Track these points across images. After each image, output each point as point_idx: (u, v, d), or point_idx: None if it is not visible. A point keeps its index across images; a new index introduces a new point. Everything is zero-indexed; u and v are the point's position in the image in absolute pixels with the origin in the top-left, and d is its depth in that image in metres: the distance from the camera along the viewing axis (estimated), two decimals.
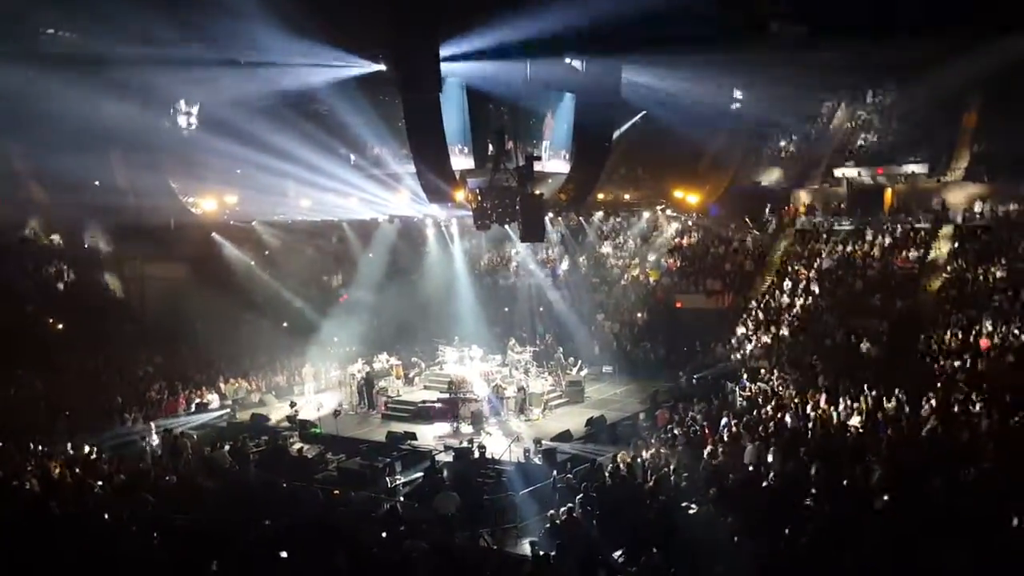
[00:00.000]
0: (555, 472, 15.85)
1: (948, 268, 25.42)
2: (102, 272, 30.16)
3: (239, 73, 23.65)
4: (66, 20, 22.68)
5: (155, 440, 19.47)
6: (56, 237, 30.32)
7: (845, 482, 13.20)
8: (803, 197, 31.64)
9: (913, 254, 26.60)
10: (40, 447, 17.62)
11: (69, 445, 17.69)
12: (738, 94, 32.13)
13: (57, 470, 15.83)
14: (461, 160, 22.83)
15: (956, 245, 26.42)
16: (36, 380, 23.06)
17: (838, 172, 31.13)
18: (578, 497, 13.64)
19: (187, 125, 28.55)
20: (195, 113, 28.52)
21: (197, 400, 23.21)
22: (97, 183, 28.56)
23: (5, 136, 24.75)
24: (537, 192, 20.66)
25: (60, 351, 25.06)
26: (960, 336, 21.57)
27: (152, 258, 30.37)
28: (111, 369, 24.93)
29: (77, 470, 16.06)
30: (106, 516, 12.86)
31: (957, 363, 20.24)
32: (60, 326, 26.74)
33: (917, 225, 27.80)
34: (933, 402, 17.55)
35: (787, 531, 11.22)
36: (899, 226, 27.94)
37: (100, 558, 10.21)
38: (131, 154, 27.98)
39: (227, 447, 18.64)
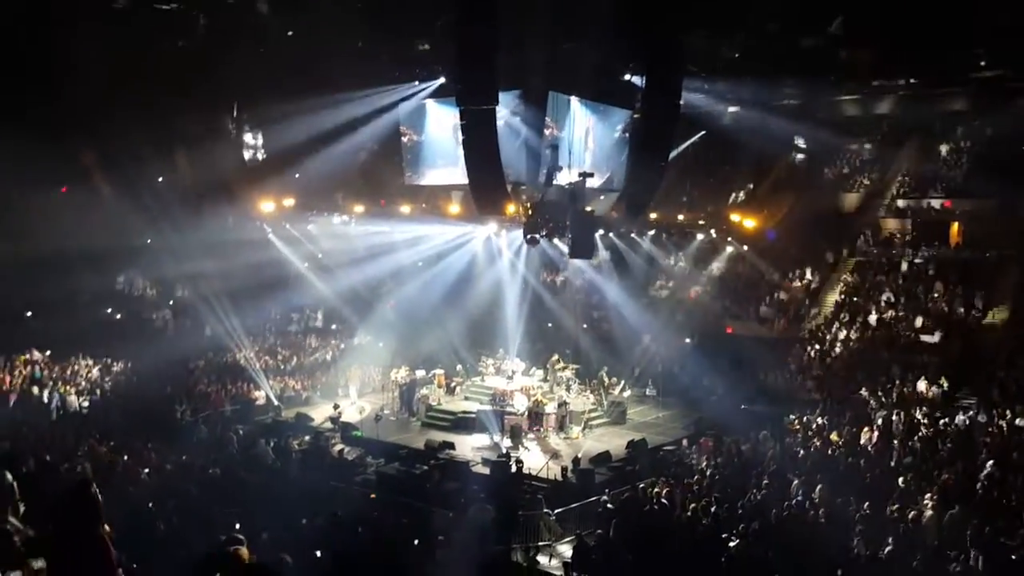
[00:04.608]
0: (592, 493, 15.64)
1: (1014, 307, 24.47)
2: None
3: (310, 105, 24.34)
4: None
5: (203, 432, 19.90)
6: None
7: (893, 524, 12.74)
8: (865, 226, 30.85)
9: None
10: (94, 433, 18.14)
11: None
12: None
13: (107, 457, 16.23)
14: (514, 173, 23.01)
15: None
16: (93, 368, 23.86)
17: (902, 203, 30.31)
18: (614, 521, 13.42)
19: (252, 153, 29.48)
20: (260, 143, 29.40)
21: (244, 396, 23.67)
22: (160, 179, 29.41)
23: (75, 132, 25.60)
24: (588, 209, 20.56)
25: (116, 342, 25.83)
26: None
27: (209, 255, 31.08)
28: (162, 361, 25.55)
29: (126, 457, 16.45)
30: (150, 504, 13.12)
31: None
32: (117, 316, 27.53)
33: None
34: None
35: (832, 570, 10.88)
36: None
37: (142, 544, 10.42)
38: (195, 156, 28.79)
39: (271, 444, 18.94)
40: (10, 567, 3.93)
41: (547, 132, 20.99)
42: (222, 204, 29.02)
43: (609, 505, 14.62)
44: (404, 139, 24.77)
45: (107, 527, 4.57)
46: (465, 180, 18.80)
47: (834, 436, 18.59)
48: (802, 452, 17.47)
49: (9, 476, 4.22)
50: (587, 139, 23.69)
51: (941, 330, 24.52)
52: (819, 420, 20.07)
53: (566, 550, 13.71)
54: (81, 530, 4.40)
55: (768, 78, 23.55)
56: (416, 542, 12.88)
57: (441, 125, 23.84)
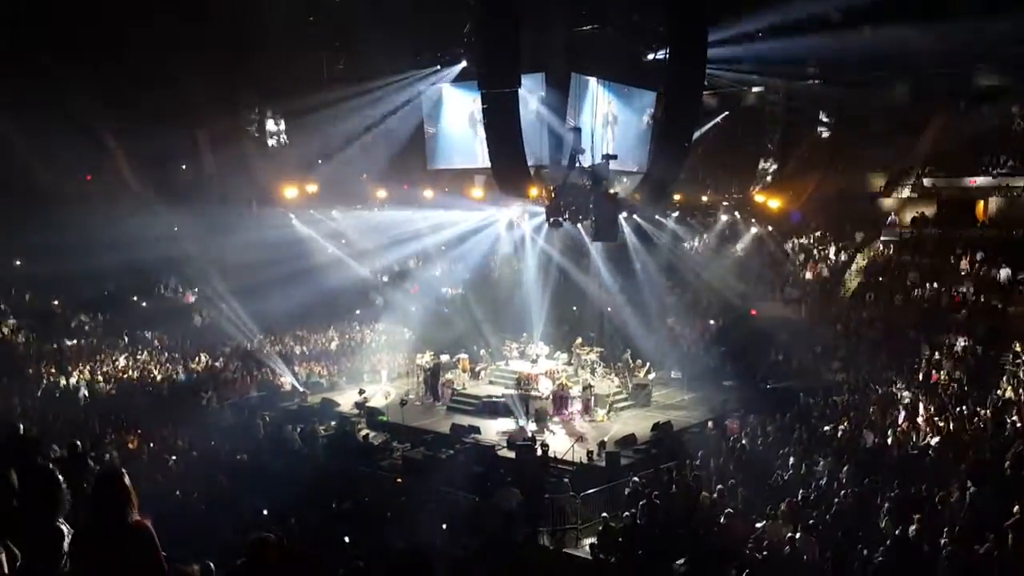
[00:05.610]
0: (618, 476, 15.62)
1: None
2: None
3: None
4: None
5: (228, 418, 20.12)
6: None
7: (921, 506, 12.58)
8: (891, 205, 30.36)
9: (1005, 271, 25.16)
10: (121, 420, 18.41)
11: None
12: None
13: (134, 443, 16.47)
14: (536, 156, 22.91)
15: None
16: (120, 357, 24.24)
17: (928, 181, 29.76)
18: (640, 503, 13.39)
19: (274, 136, 29.55)
20: (283, 128, 29.44)
21: (270, 382, 23.87)
22: (184, 167, 29.62)
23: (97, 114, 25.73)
24: (612, 191, 20.40)
25: (140, 328, 26.20)
26: None
27: (233, 242, 31.29)
28: (187, 349, 25.85)
29: (152, 444, 16.68)
30: (177, 492, 13.31)
31: None
32: (143, 304, 27.87)
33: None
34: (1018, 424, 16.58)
35: (858, 551, 10.77)
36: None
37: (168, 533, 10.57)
38: (217, 140, 28.92)
39: (297, 430, 19.11)
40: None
41: (569, 115, 20.84)
42: (245, 191, 29.24)
43: (636, 488, 14.58)
44: (425, 128, 24.84)
45: (136, 517, 4.59)
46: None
47: (862, 417, 18.39)
48: (828, 432, 17.31)
49: (61, 478, 4.27)
50: (609, 123, 23.49)
51: (968, 309, 24.14)
52: (846, 400, 19.87)
53: (592, 533, 13.70)
54: (114, 519, 4.42)
55: (792, 55, 23.19)
56: (443, 527, 12.96)
57: (457, 115, 23.78)
